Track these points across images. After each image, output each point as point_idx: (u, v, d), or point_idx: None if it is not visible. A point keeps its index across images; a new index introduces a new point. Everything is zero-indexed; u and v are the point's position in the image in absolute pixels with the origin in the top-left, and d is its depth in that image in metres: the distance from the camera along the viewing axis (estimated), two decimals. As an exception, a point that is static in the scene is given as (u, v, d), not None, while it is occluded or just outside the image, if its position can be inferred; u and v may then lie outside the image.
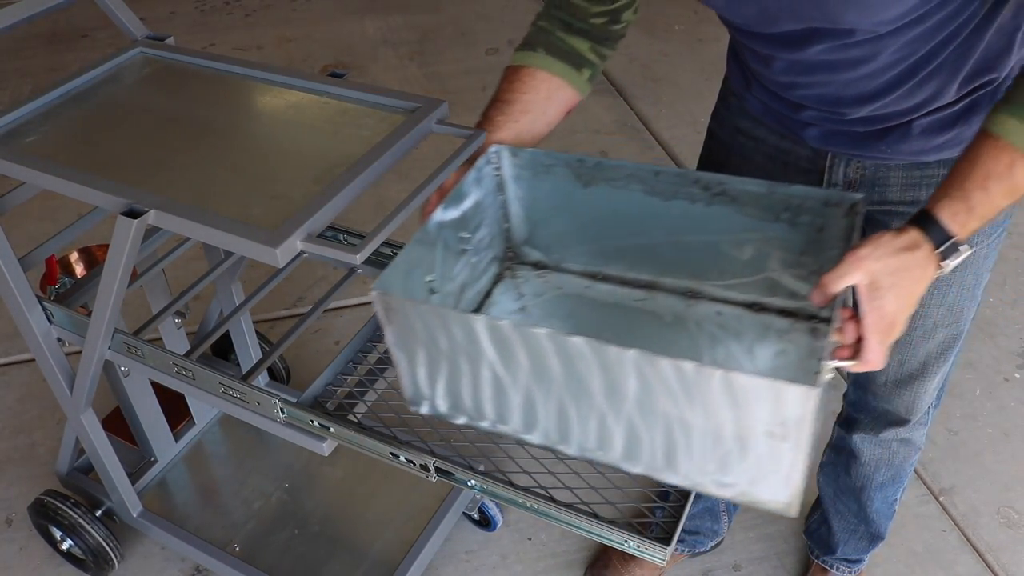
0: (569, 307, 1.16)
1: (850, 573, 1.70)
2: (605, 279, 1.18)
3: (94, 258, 1.96)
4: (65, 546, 1.72)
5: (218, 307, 1.79)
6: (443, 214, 1.04)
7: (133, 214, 1.00)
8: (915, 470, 2.00)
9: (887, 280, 0.86)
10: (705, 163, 1.32)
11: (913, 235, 0.88)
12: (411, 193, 1.03)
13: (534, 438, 0.97)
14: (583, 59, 1.14)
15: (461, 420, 1.01)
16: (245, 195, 1.05)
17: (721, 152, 1.28)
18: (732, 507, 1.76)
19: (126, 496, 1.64)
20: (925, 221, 0.89)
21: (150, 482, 1.77)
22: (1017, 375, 2.26)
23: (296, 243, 0.94)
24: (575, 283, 1.19)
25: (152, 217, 1.00)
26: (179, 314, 1.67)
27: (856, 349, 0.89)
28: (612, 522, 0.96)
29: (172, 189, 1.05)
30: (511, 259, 1.23)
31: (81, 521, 1.64)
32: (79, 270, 1.95)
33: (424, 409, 1.02)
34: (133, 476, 1.71)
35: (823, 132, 1.13)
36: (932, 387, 1.31)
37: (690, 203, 1.06)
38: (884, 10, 0.90)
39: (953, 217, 0.88)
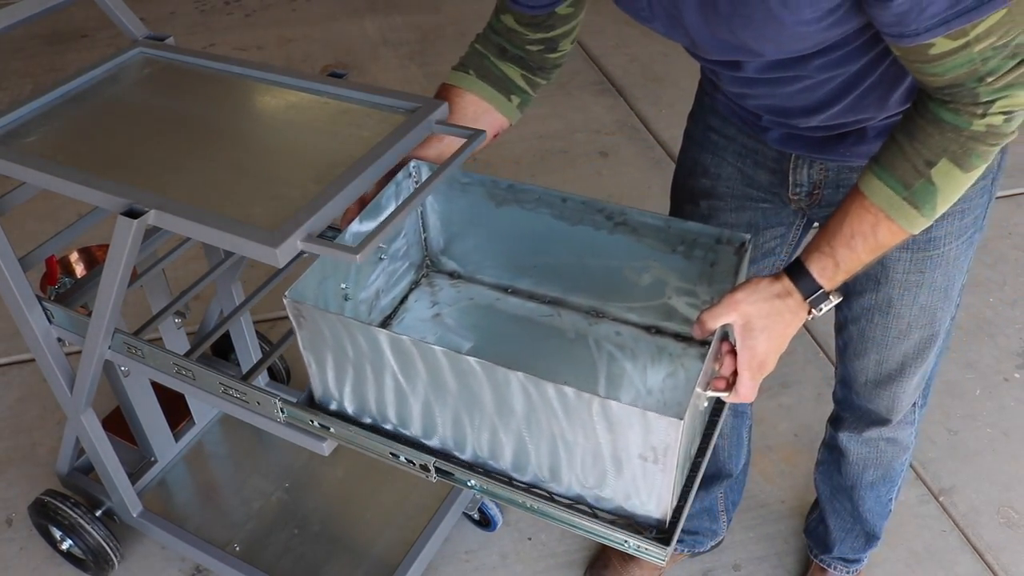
0: (480, 317, 1.24)
1: (848, 573, 1.71)
2: (516, 293, 1.26)
3: (94, 258, 1.96)
4: (65, 546, 1.72)
5: (218, 307, 1.79)
6: (359, 226, 1.09)
7: (133, 214, 1.00)
8: (915, 470, 2.00)
9: (760, 323, 0.94)
10: (682, 161, 1.34)
11: (785, 283, 0.96)
12: (411, 193, 1.03)
13: (433, 443, 1.04)
14: (514, 86, 1.17)
15: (367, 421, 1.08)
16: (245, 195, 1.05)
17: (695, 149, 1.29)
18: (731, 507, 1.76)
19: (126, 496, 1.64)
20: (797, 272, 0.96)
21: (150, 482, 1.77)
22: (1017, 375, 2.26)
23: (296, 243, 0.94)
24: (487, 295, 1.27)
25: (152, 217, 1.00)
26: (179, 314, 1.67)
27: (732, 381, 0.97)
28: (612, 522, 0.96)
29: (172, 189, 1.05)
30: (428, 267, 1.31)
31: (81, 521, 1.64)
32: (79, 270, 1.95)
33: (332, 407, 1.09)
34: (133, 476, 1.71)
35: (782, 135, 1.15)
36: (912, 387, 1.32)
37: (594, 229, 1.15)
38: (794, 43, 0.93)
39: (822, 271, 0.95)
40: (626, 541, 0.95)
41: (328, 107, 1.21)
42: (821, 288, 0.95)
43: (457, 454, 1.03)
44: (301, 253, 0.97)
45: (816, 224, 1.29)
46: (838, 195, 1.15)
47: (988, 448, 2.07)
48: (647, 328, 1.20)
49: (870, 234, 0.93)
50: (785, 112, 1.09)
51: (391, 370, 0.98)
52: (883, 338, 1.25)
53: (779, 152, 1.17)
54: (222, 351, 2.01)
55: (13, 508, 1.89)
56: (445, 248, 1.29)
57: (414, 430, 1.04)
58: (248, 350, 1.87)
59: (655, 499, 0.92)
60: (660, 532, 0.95)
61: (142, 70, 1.35)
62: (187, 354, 1.23)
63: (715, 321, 0.95)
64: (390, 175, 1.13)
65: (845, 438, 1.46)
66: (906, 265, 1.16)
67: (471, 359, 0.90)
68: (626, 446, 0.88)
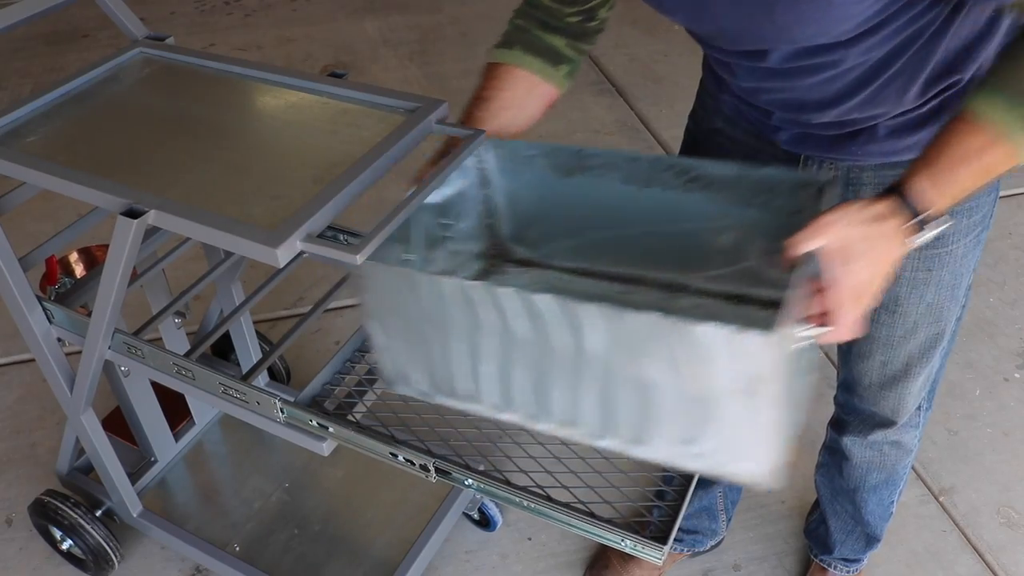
0: None
1: (848, 573, 1.71)
2: (589, 274, 1.17)
3: (94, 258, 1.96)
4: (65, 546, 1.72)
5: (218, 307, 1.79)
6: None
7: (133, 214, 1.00)
8: (915, 470, 2.00)
9: (859, 246, 0.85)
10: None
11: (883, 206, 0.87)
12: (411, 193, 1.03)
13: (511, 416, 0.96)
14: (560, 55, 1.14)
15: (439, 400, 1.01)
16: (245, 195, 1.05)
17: (699, 152, 1.28)
18: (730, 506, 1.76)
19: (126, 496, 1.64)
20: (896, 195, 0.88)
21: (150, 482, 1.77)
22: (1017, 375, 2.26)
23: (296, 243, 0.94)
24: (559, 279, 1.19)
25: (152, 217, 1.00)
26: (179, 314, 1.67)
27: (825, 320, 0.88)
28: (609, 521, 0.96)
29: (172, 189, 1.05)
30: (497, 256, 1.23)
31: (81, 521, 1.64)
32: (79, 270, 1.95)
33: (401, 388, 1.03)
34: (133, 476, 1.71)
35: (793, 135, 1.13)
36: (916, 388, 1.31)
37: (664, 190, 1.06)
38: (838, 25, 0.90)
39: (921, 194, 0.88)
40: (623, 540, 0.95)
41: (328, 107, 1.21)
42: (922, 214, 0.87)
43: (538, 424, 0.95)
44: (301, 253, 0.97)
45: None
46: (847, 194, 1.15)
47: (988, 448, 2.07)
48: (729, 298, 1.09)
49: (975, 158, 0.87)
50: (800, 106, 1.07)
51: (462, 327, 0.90)
52: (889, 338, 1.24)
53: (788, 153, 1.16)
54: (222, 351, 2.01)
55: (13, 508, 1.89)
56: (514, 234, 1.21)
57: (492, 400, 0.96)
58: (248, 350, 1.87)
59: (757, 445, 0.82)
60: (656, 532, 0.95)
61: (142, 70, 1.35)
62: (187, 354, 1.23)
63: (807, 243, 0.85)
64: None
65: (849, 442, 1.45)
66: (914, 263, 1.15)
67: (542, 295, 0.81)
68: (718, 381, 0.78)
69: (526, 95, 1.14)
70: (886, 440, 1.41)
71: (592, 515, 0.97)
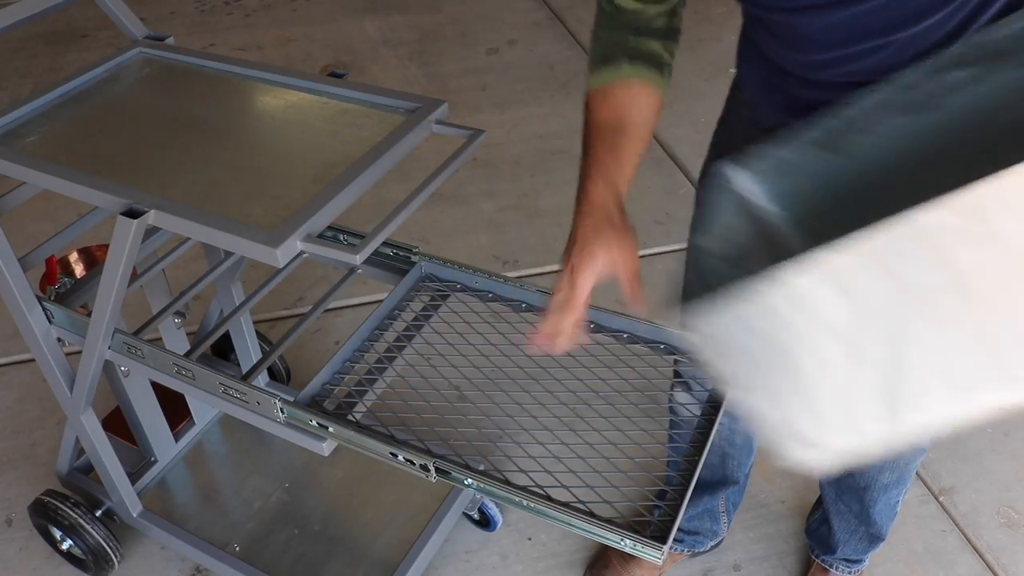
0: None
1: (850, 573, 1.70)
2: None
3: (94, 258, 1.96)
4: (65, 546, 1.72)
5: (218, 307, 1.79)
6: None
7: (133, 214, 1.00)
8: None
9: None
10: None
11: None
12: (411, 193, 1.03)
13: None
14: (661, 59, 1.06)
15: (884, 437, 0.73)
16: (245, 195, 1.05)
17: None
18: (732, 508, 1.76)
19: (126, 496, 1.64)
20: None
21: (150, 482, 1.77)
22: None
23: (296, 243, 0.95)
24: None
25: (152, 217, 1.00)
26: (179, 314, 1.67)
27: None
28: (609, 521, 0.96)
29: (172, 189, 1.05)
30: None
31: (81, 521, 1.64)
32: (79, 270, 1.95)
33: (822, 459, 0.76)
34: (133, 476, 1.71)
35: None
36: None
37: (954, 92, 0.84)
38: None
39: None
40: (623, 540, 0.95)
41: (328, 107, 1.21)
42: None
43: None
44: (301, 253, 0.97)
45: None
46: None
47: (988, 448, 2.07)
48: None
49: None
50: (891, 69, 0.89)
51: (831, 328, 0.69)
52: None
53: None
54: (222, 351, 2.01)
55: (13, 508, 1.89)
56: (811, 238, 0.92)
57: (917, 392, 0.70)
58: (248, 350, 1.87)
59: None
60: (656, 532, 0.95)
61: (142, 70, 1.35)
62: (187, 354, 1.23)
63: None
64: None
65: None
66: None
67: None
68: None
69: (649, 110, 1.05)
70: None
71: (592, 514, 0.97)
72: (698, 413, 1.15)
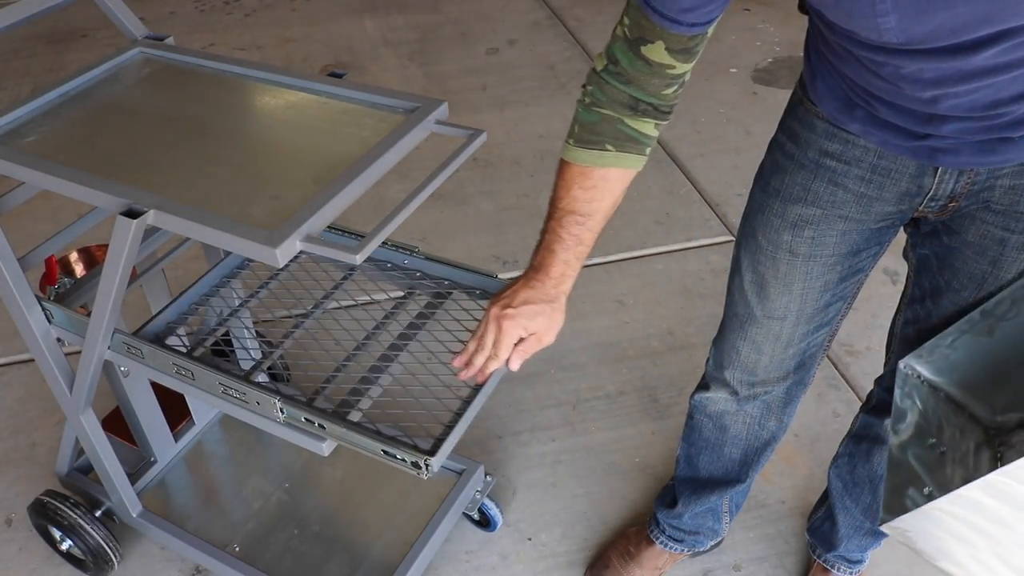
0: None
1: (851, 572, 1.70)
2: None
3: (94, 258, 1.96)
4: (65, 546, 1.72)
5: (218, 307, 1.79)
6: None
7: (133, 214, 1.00)
8: (915, 470, 2.00)
9: None
10: (783, 186, 1.20)
11: None
12: (411, 193, 1.03)
13: None
14: (648, 139, 1.08)
15: None
16: (245, 195, 1.05)
17: (804, 176, 1.17)
18: (734, 508, 1.76)
19: (126, 496, 1.64)
20: None
21: (150, 482, 1.77)
22: (1017, 375, 2.26)
23: (296, 243, 0.94)
24: None
25: (152, 217, 1.00)
26: (179, 314, 1.67)
27: None
28: (392, 439, 1.05)
29: (172, 189, 1.05)
30: (992, 431, 1.19)
31: (81, 521, 1.64)
32: (79, 270, 1.95)
33: None
34: (133, 476, 1.71)
35: (944, 145, 1.03)
36: None
37: None
38: None
39: None
40: (397, 454, 1.03)
41: (328, 107, 1.21)
42: None
43: None
44: (301, 253, 0.97)
45: (912, 244, 1.23)
46: (972, 206, 1.08)
47: (988, 448, 2.07)
48: None
49: None
50: (994, 103, 0.94)
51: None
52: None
53: (919, 168, 1.07)
54: (222, 351, 2.01)
55: (12, 508, 1.89)
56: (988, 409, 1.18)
57: None
58: (248, 350, 1.87)
59: None
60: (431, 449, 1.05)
61: (142, 70, 1.35)
62: (187, 354, 1.23)
63: None
64: None
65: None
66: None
67: None
68: None
69: (619, 193, 1.10)
70: None
71: (378, 433, 1.06)
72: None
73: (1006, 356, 1.12)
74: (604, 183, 1.08)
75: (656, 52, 0.99)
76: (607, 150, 1.06)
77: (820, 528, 1.71)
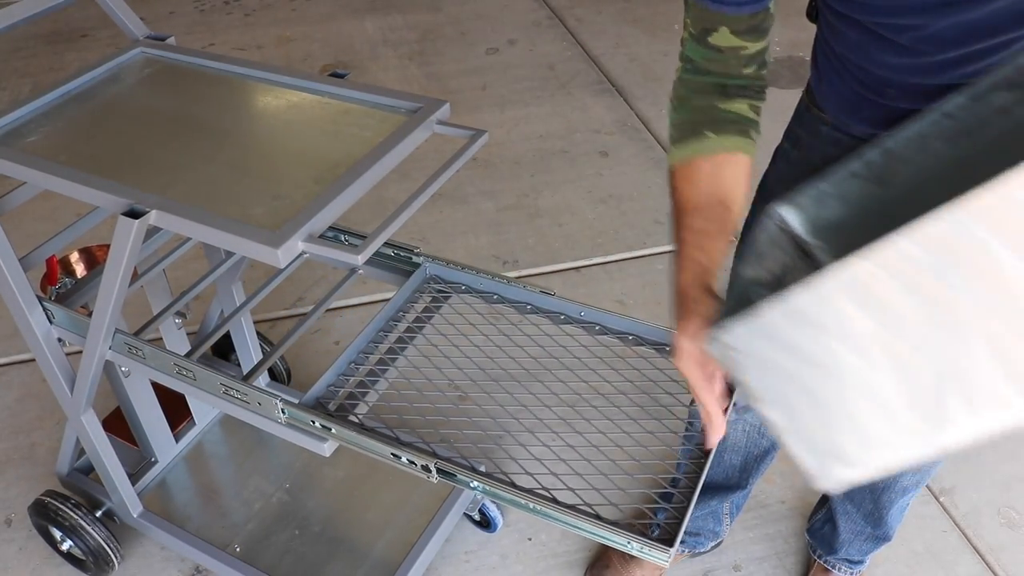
0: None
1: (852, 573, 1.70)
2: None
3: (94, 258, 1.96)
4: (65, 547, 1.72)
5: (219, 307, 1.79)
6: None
7: (134, 214, 1.00)
8: (915, 470, 2.01)
9: None
10: (784, 191, 1.11)
11: None
12: (413, 193, 1.02)
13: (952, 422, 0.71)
14: (748, 121, 1.02)
15: (900, 458, 0.75)
16: (246, 195, 1.04)
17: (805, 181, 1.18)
18: (734, 510, 1.76)
19: (126, 496, 1.64)
20: None
21: (150, 482, 1.77)
22: (1017, 375, 2.26)
23: (298, 244, 0.94)
24: None
25: (153, 217, 1.00)
26: (180, 314, 1.67)
27: None
28: (615, 523, 0.96)
29: (173, 189, 1.05)
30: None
31: (81, 522, 1.64)
32: (79, 270, 1.94)
33: (842, 474, 0.77)
34: (133, 476, 1.71)
35: None
36: None
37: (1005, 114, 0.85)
38: None
39: None
40: (629, 543, 0.94)
41: (329, 107, 1.21)
42: None
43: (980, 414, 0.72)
44: (302, 253, 0.97)
45: None
46: None
47: (988, 448, 2.07)
48: None
49: None
50: None
51: (853, 343, 0.69)
52: None
53: None
54: (223, 351, 2.00)
55: (13, 509, 1.89)
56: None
57: (929, 414, 0.70)
58: (249, 350, 1.87)
59: None
60: (662, 534, 0.95)
61: (143, 70, 1.35)
62: (188, 354, 1.23)
63: None
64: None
65: None
66: None
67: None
68: None
69: (736, 182, 1.00)
70: None
71: (598, 517, 0.97)
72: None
73: (895, 215, 0.82)
74: (718, 171, 0.99)
75: (723, 38, 0.98)
76: (707, 136, 1.00)
77: (821, 530, 1.71)
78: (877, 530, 1.59)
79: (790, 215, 0.92)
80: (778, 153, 1.22)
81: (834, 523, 1.64)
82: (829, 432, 0.75)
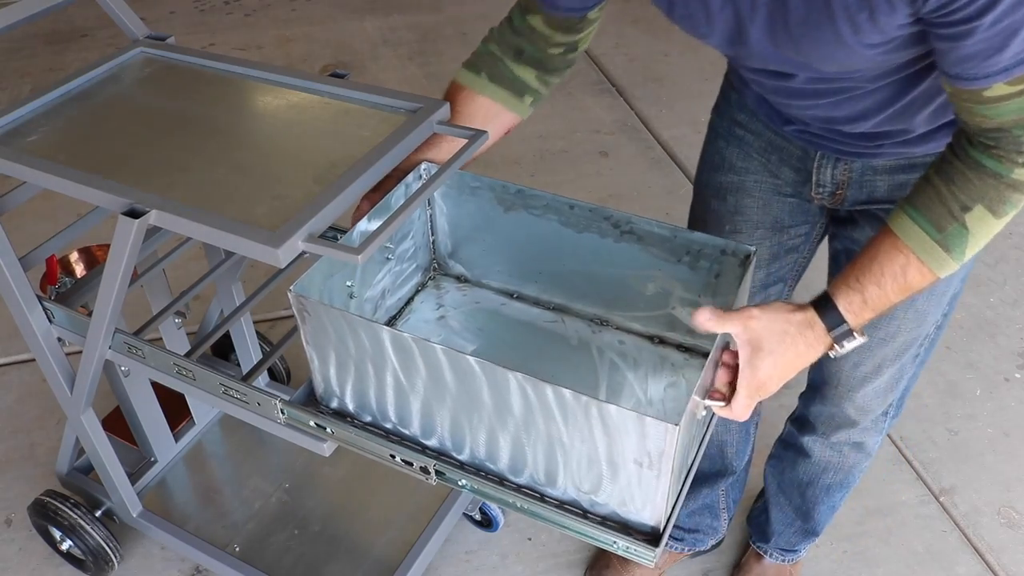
0: (484, 321, 1.24)
1: (784, 561, 1.72)
2: (521, 298, 1.27)
3: (94, 258, 1.96)
4: (65, 546, 1.72)
5: (219, 307, 1.79)
6: (367, 225, 1.09)
7: (134, 214, 1.00)
8: (915, 470, 2.00)
9: (769, 345, 0.90)
10: (707, 155, 1.33)
11: (808, 315, 0.93)
12: (412, 194, 1.02)
13: (432, 443, 1.04)
14: (527, 87, 1.15)
15: (366, 419, 1.07)
16: (246, 195, 1.04)
17: (721, 144, 1.29)
18: (732, 504, 1.76)
19: (126, 496, 1.64)
20: (823, 305, 0.93)
21: (150, 482, 1.77)
22: (1017, 375, 2.26)
23: (298, 243, 0.94)
24: (493, 299, 1.28)
25: (153, 217, 1.00)
26: (179, 314, 1.67)
27: (729, 393, 0.94)
28: (602, 522, 0.96)
29: (173, 189, 1.05)
30: (436, 270, 1.31)
31: (81, 521, 1.64)
32: (79, 270, 1.94)
33: (333, 404, 1.09)
34: (133, 476, 1.71)
35: (810, 133, 1.14)
36: (882, 387, 1.31)
37: (600, 237, 1.14)
38: (858, 63, 0.93)
39: (848, 306, 0.93)
40: (615, 542, 0.95)
41: (329, 107, 1.21)
42: (846, 323, 0.93)
43: (455, 455, 1.03)
44: (303, 253, 0.97)
45: (831, 236, 1.29)
46: (861, 194, 1.15)
47: (988, 448, 2.07)
48: (650, 338, 1.20)
49: (900, 274, 0.92)
50: (829, 120, 1.09)
51: (392, 368, 0.97)
52: (869, 340, 1.23)
53: (803, 151, 1.17)
54: (222, 351, 2.00)
55: (12, 508, 1.89)
56: (452, 252, 1.29)
57: (413, 429, 1.04)
58: (248, 350, 1.86)
59: (649, 506, 0.91)
60: (650, 534, 0.95)
61: (143, 70, 1.35)
62: (187, 354, 1.23)
63: (720, 325, 0.91)
64: (397, 177, 1.13)
65: (809, 440, 1.46)
66: None
67: (471, 358, 0.89)
68: (622, 451, 0.87)
69: (484, 123, 1.14)
70: (848, 441, 1.42)
71: (585, 515, 0.97)
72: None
73: (501, 233, 1.20)
74: (471, 103, 1.14)
75: (536, 23, 1.11)
76: (480, 75, 1.14)
77: (757, 519, 1.75)
78: (806, 524, 1.62)
79: None
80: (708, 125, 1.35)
81: (768, 513, 1.67)
82: (347, 385, 1.05)
